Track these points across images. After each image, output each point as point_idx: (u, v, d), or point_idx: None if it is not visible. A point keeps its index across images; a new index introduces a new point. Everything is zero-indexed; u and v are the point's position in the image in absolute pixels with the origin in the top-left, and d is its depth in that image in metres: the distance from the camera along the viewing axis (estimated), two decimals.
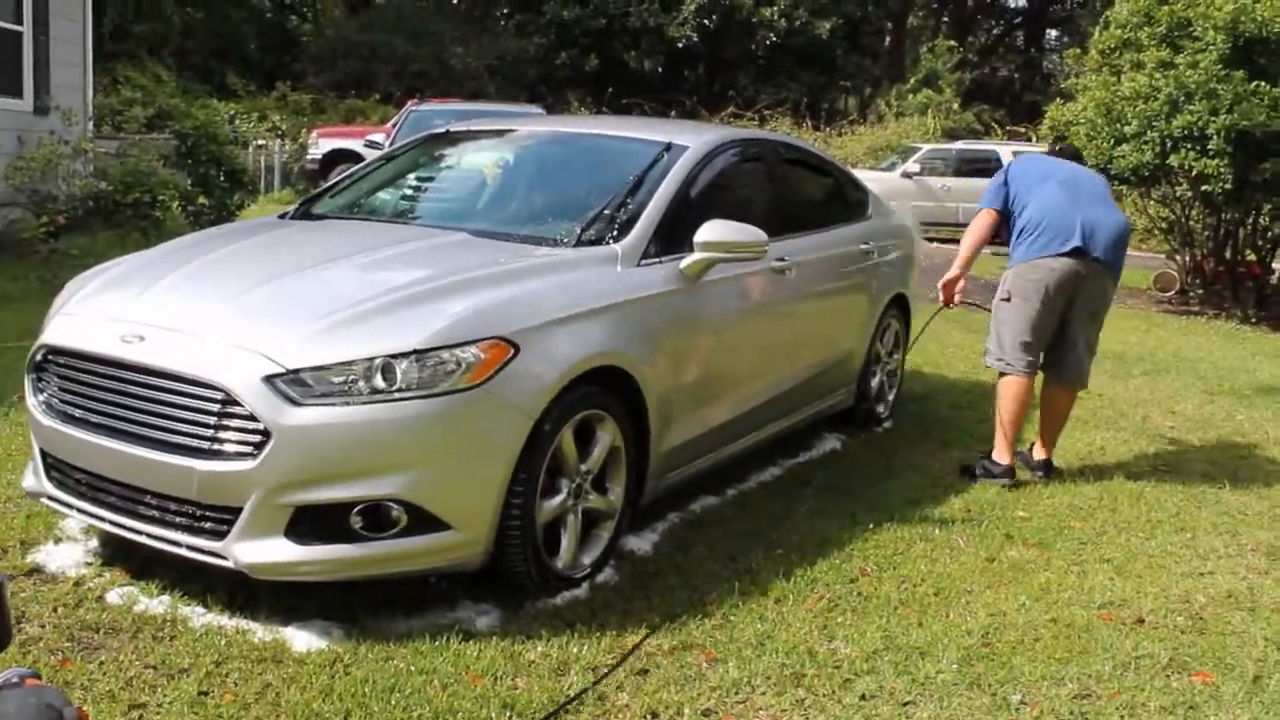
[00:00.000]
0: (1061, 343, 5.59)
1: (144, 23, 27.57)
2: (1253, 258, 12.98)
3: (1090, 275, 5.42)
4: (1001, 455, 5.59)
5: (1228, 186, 11.08)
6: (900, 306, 6.63)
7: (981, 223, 5.65)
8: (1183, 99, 11.20)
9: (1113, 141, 11.94)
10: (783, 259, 5.09)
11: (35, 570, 3.79)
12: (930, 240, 17.16)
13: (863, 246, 6.09)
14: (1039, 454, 5.80)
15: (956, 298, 5.84)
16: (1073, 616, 3.96)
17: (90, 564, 3.85)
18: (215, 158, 12.85)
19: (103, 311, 3.80)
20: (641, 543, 4.38)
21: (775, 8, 31.27)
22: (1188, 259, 13.39)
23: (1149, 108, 11.45)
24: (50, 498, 3.85)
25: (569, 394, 3.68)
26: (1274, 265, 13.00)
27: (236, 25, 31.51)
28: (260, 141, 21.99)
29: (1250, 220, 12.66)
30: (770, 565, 4.24)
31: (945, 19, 42.35)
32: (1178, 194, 12.28)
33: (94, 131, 13.60)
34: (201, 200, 12.54)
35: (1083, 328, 5.58)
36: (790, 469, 5.60)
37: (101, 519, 3.66)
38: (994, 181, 5.78)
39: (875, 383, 6.42)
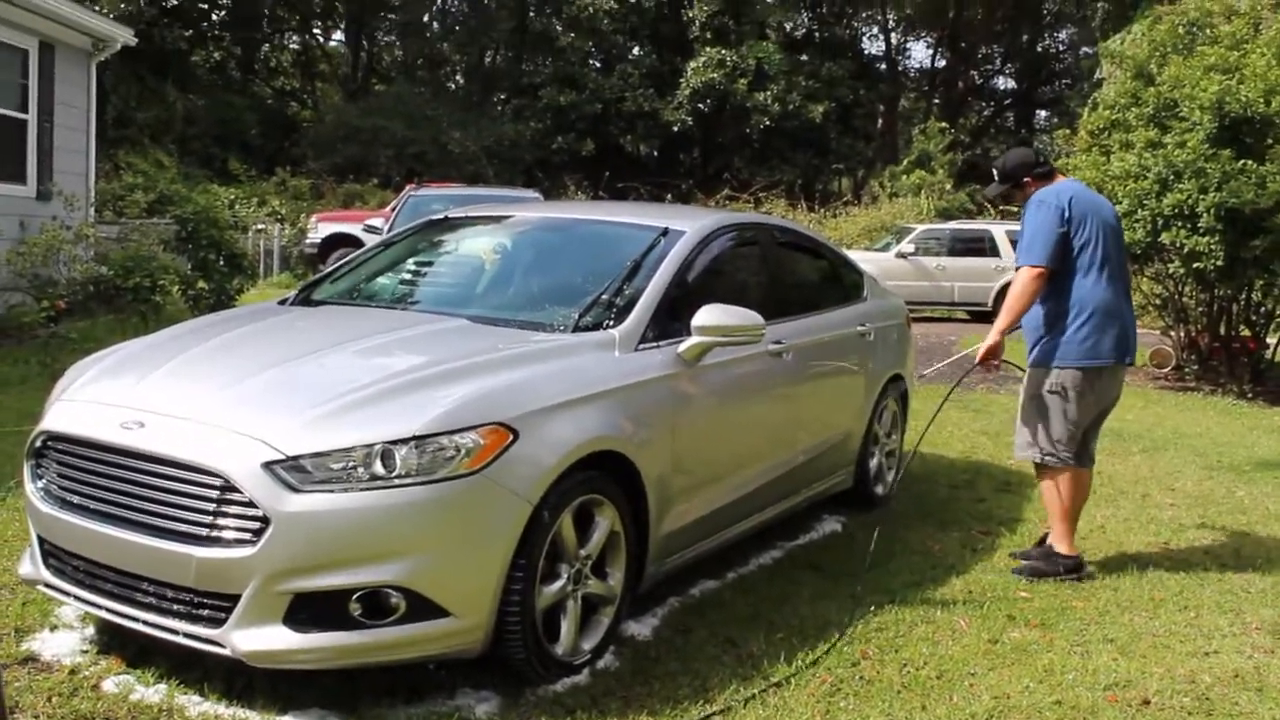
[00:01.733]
0: (1093, 423, 5.45)
1: (147, 109, 27.97)
2: (1247, 333, 13.03)
3: (1125, 369, 5.41)
4: (1072, 547, 5.39)
5: (1219, 263, 11.15)
6: (898, 387, 6.65)
7: (1033, 286, 5.13)
8: (1172, 178, 11.31)
9: None
10: (780, 342, 5.12)
11: (30, 659, 3.77)
12: (926, 319, 17.26)
13: (859, 328, 6.13)
14: (1065, 546, 5.42)
15: (995, 362, 5.42)
16: (1078, 698, 3.92)
17: (86, 651, 3.83)
18: (215, 242, 12.97)
19: (103, 398, 3.82)
20: (642, 628, 4.36)
21: (769, 92, 31.80)
22: (1183, 335, 13.44)
23: (1139, 186, 11.57)
24: (47, 585, 3.83)
25: (568, 479, 3.69)
26: (1269, 340, 13.04)
27: (238, 112, 31.99)
28: (260, 226, 22.19)
29: (1243, 296, 12.72)
30: (771, 649, 4.21)
31: (936, 101, 42.94)
32: (1170, 271, 12.35)
33: (96, 216, 13.74)
34: (201, 284, 12.63)
35: (1107, 412, 5.49)
36: (790, 551, 5.58)
37: (98, 606, 3.64)
38: (1041, 223, 5.15)
39: (874, 464, 6.42)
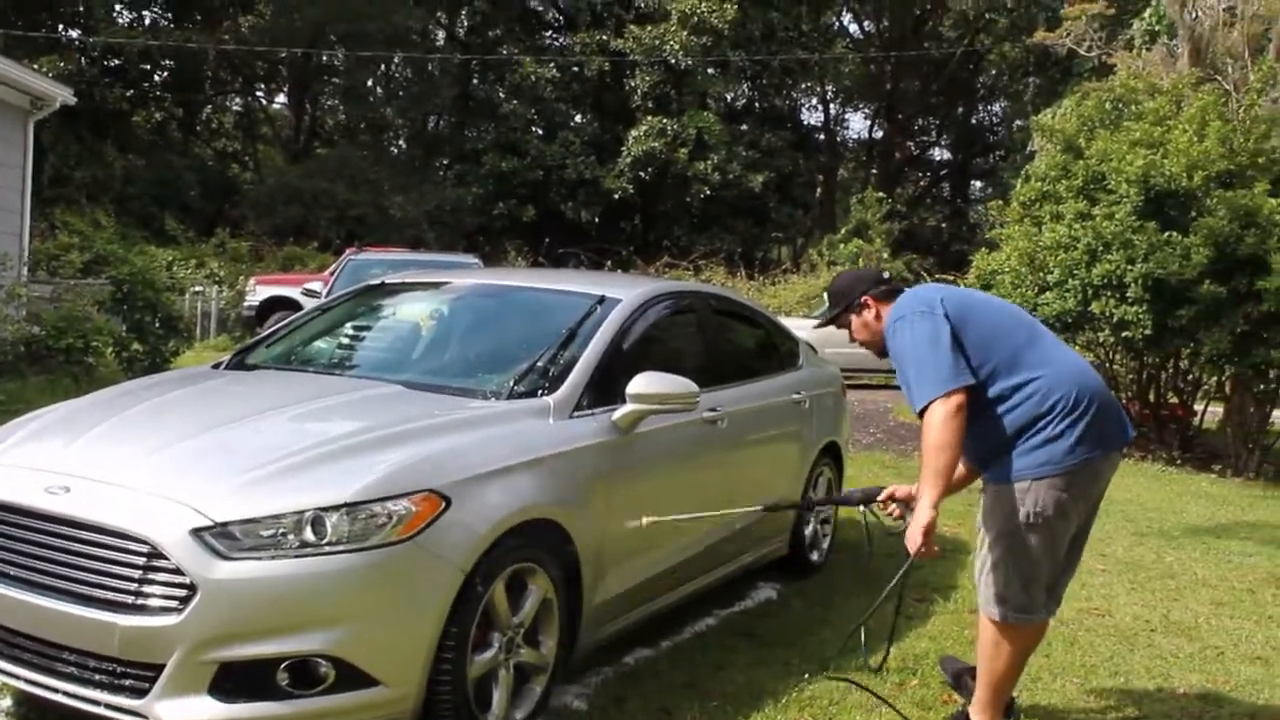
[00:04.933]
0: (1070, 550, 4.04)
1: (85, 169, 27.75)
2: (1175, 400, 13.30)
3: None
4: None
5: (1147, 332, 11.41)
6: (833, 454, 6.70)
7: (955, 422, 3.66)
8: (1101, 248, 11.60)
9: (1036, 289, 12.30)
10: (715, 409, 5.15)
11: None
12: (861, 387, 17.42)
13: (794, 396, 6.18)
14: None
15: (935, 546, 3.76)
16: None
17: None
18: (151, 304, 12.86)
19: (28, 461, 3.76)
20: (575, 697, 4.32)
21: (709, 161, 32.20)
22: None
23: (1069, 257, 11.84)
24: None
25: (501, 546, 3.66)
26: (1196, 408, 13.32)
27: (178, 172, 31.82)
28: (198, 288, 22.01)
29: (1171, 364, 13.02)
30: (706, 717, 4.19)
31: (874, 171, 43.73)
32: (1100, 339, 12.62)
33: (29, 276, 13.56)
34: (136, 346, 12.50)
35: (1086, 532, 4.10)
36: (726, 619, 5.57)
37: (16, 676, 3.54)
38: (921, 335, 3.79)
39: (809, 530, 6.44)
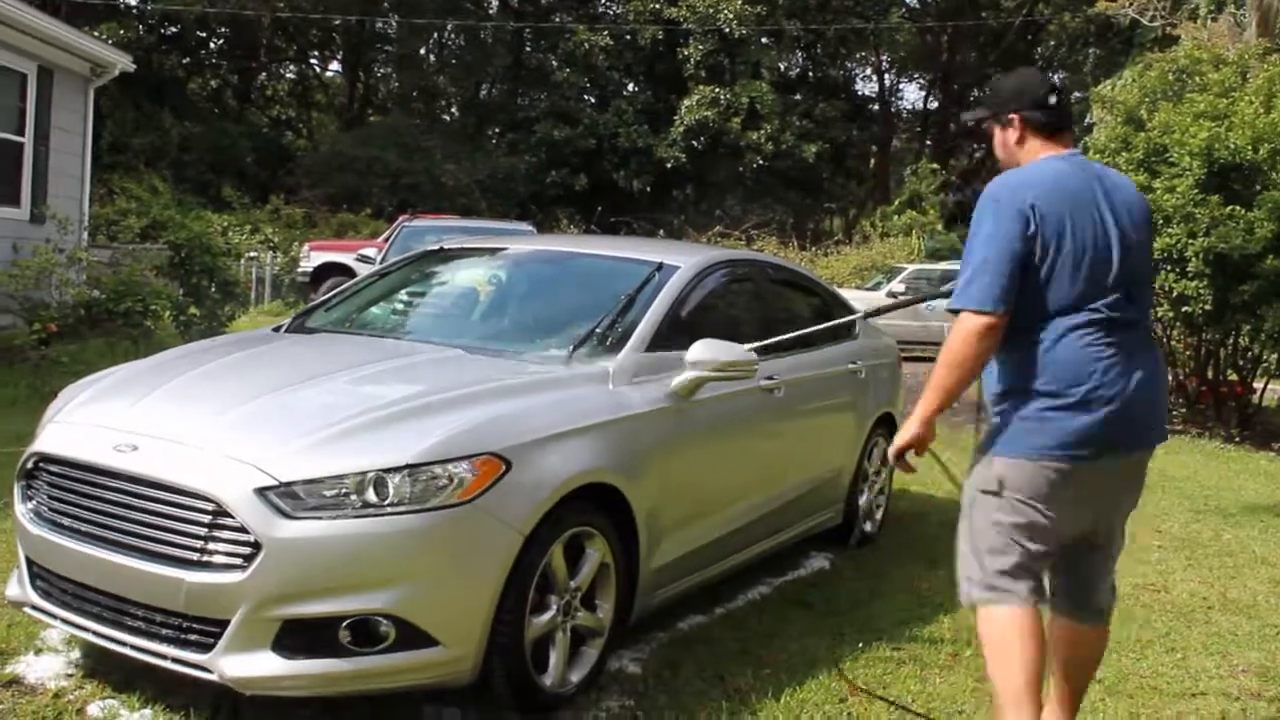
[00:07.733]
0: (1085, 551, 3.47)
1: (143, 136, 28.05)
2: (1234, 377, 13.10)
3: (1141, 462, 3.43)
4: None
5: (1207, 308, 11.23)
6: (888, 425, 6.66)
7: (978, 346, 3.17)
8: (1161, 222, 11.40)
9: None
10: (772, 378, 5.14)
11: (14, 681, 3.76)
12: (915, 359, 17.30)
13: (850, 366, 6.15)
14: None
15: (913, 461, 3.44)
16: None
17: (71, 675, 3.82)
18: (208, 269, 13.01)
19: (96, 420, 3.82)
20: (630, 662, 4.35)
21: (762, 131, 31.98)
22: (1170, 379, 13.51)
23: None
24: (34, 607, 3.82)
25: (559, 510, 3.69)
26: (1255, 385, 13.11)
27: (234, 139, 32.08)
28: (252, 253, 22.22)
29: (1231, 340, 12.81)
30: (759, 685, 4.20)
31: (929, 142, 43.27)
32: (1159, 315, 12.43)
33: (89, 240, 13.75)
34: (193, 310, 12.65)
35: (1121, 526, 3.52)
36: (779, 587, 5.58)
37: (86, 629, 3.62)
38: (992, 234, 3.19)
39: (864, 501, 6.43)
